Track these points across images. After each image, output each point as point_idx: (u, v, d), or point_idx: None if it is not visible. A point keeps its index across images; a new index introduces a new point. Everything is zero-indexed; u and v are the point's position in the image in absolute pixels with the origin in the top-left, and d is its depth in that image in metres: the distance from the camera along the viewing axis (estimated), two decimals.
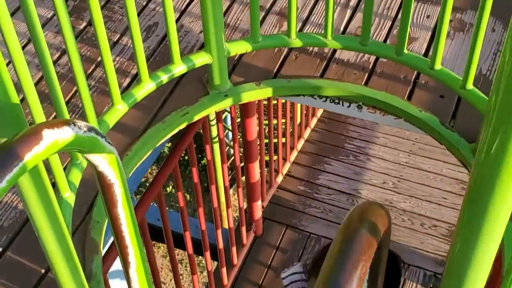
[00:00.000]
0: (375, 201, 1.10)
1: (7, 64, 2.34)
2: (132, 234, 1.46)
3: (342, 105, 2.31)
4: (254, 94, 2.21)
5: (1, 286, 1.76)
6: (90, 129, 1.19)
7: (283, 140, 4.19)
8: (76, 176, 1.84)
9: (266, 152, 4.22)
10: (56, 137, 1.09)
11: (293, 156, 4.38)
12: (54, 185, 1.81)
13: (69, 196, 1.80)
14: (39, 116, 1.58)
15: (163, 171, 2.49)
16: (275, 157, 4.09)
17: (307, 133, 4.54)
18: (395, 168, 4.51)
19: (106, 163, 1.27)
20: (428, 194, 4.32)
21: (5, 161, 1.02)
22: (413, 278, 3.89)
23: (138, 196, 5.96)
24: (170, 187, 6.34)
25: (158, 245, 5.76)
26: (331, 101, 2.30)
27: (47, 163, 1.72)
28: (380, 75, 2.27)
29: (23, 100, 2.11)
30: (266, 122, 4.10)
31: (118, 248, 1.50)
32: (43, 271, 1.79)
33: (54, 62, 2.33)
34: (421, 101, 2.17)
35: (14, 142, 1.04)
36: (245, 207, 3.88)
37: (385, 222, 1.05)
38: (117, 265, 2.08)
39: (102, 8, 2.54)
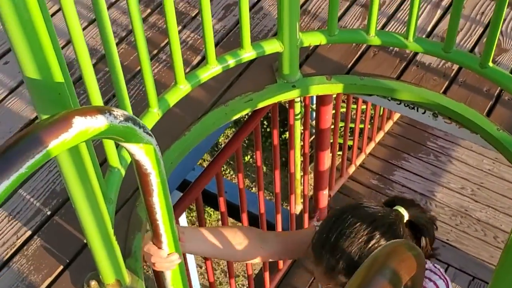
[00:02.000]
0: (405, 241, 1.05)
1: (63, 47, 2.36)
2: (167, 223, 1.44)
3: (417, 111, 2.18)
4: (323, 88, 2.12)
5: (41, 249, 1.79)
6: (128, 119, 1.15)
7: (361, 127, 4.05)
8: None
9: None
10: (87, 126, 1.07)
11: (369, 147, 4.25)
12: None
13: (118, 171, 1.80)
14: (95, 97, 1.57)
15: (225, 151, 2.46)
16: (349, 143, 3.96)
17: (388, 126, 4.39)
18: (477, 174, 4.30)
19: (143, 153, 1.25)
20: (507, 207, 4.10)
21: (28, 146, 1.00)
22: None
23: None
24: (248, 156, 6.34)
25: None
26: (406, 105, 2.18)
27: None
28: (462, 85, 2.13)
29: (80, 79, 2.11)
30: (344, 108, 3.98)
31: (153, 235, 1.48)
32: (85, 240, 1.80)
33: (122, 39, 2.33)
34: (501, 119, 2.02)
35: (41, 128, 1.03)
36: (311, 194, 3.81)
37: (412, 266, 0.96)
38: None
39: None
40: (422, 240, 1.50)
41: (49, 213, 1.87)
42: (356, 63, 2.19)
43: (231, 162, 5.83)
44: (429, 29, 2.29)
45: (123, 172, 1.83)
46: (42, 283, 1.74)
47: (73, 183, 1.38)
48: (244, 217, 2.87)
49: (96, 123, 1.08)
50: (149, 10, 2.41)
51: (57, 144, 1.03)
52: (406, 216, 1.49)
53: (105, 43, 1.61)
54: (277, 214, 3.23)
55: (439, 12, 2.33)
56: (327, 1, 2.37)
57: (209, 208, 5.91)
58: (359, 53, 2.21)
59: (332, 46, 2.21)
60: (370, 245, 1.41)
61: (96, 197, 1.43)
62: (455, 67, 2.16)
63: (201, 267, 5.04)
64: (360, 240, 1.42)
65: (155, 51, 2.24)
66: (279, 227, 3.31)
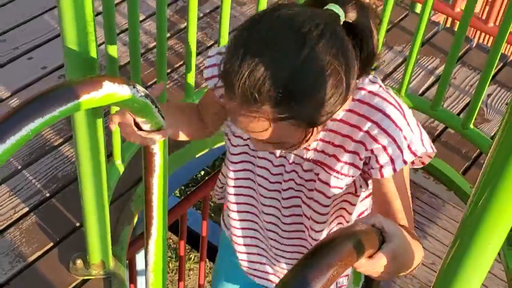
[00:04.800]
0: (374, 229, 1.15)
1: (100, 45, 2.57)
2: (160, 207, 1.57)
3: None
4: None
5: (35, 225, 1.91)
6: (147, 96, 1.32)
7: None
8: (132, 148, 1.99)
9: None
10: (115, 91, 1.23)
11: None
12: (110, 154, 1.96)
13: (120, 164, 1.94)
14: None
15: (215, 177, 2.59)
16: None
17: None
18: None
19: None
20: None
21: (63, 95, 1.16)
22: None
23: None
24: None
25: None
26: None
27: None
28: (443, 144, 2.31)
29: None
30: None
31: (145, 217, 1.61)
32: (77, 224, 1.93)
33: (148, 50, 2.53)
34: (475, 179, 2.18)
35: (76, 83, 1.19)
36: None
37: (374, 246, 1.10)
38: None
39: (206, 14, 2.72)
40: (364, 49, 1.12)
41: (47, 195, 2.00)
42: None
43: None
44: (420, 91, 2.49)
45: (123, 167, 1.98)
46: (31, 255, 1.85)
47: (84, 149, 1.51)
48: None
49: (121, 91, 1.24)
50: (168, 34, 2.60)
51: (87, 99, 1.18)
52: (342, 16, 1.09)
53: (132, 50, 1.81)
54: None
55: (431, 79, 2.54)
56: None
57: (191, 252, 5.96)
58: None
59: None
60: (302, 56, 1.00)
61: (101, 171, 1.57)
62: (440, 127, 2.34)
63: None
64: (289, 49, 1.01)
65: (169, 70, 2.42)
66: None
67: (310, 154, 1.28)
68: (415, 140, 1.17)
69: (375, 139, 1.17)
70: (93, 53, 1.38)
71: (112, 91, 1.22)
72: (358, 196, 1.36)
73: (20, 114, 1.11)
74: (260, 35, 1.03)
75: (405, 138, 1.16)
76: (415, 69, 2.35)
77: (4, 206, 1.96)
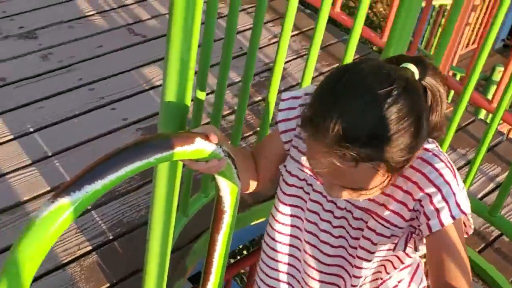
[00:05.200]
0: None
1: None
2: (219, 265, 1.65)
3: None
4: None
5: (96, 264, 2.01)
6: (229, 156, 1.43)
7: None
8: (197, 205, 2.09)
9: None
10: (204, 147, 1.34)
11: None
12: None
13: (184, 219, 2.04)
14: None
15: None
16: None
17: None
18: None
19: (229, 191, 1.50)
20: None
21: (161, 144, 1.27)
22: None
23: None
24: None
25: None
26: None
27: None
28: (496, 251, 2.33)
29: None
30: None
31: (203, 272, 1.69)
32: (134, 269, 2.02)
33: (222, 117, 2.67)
34: None
35: (172, 136, 1.31)
36: None
37: None
38: None
39: (280, 92, 2.85)
40: (435, 113, 1.17)
41: (111, 237, 2.10)
42: None
43: None
44: (479, 196, 2.53)
45: (186, 221, 2.07)
46: None
47: (160, 198, 1.61)
48: None
49: (209, 148, 1.35)
50: None
51: (180, 151, 1.29)
52: (417, 75, 1.15)
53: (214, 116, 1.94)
54: None
55: (491, 185, 2.58)
56: None
57: None
58: None
59: None
60: (389, 102, 1.07)
61: (170, 221, 1.66)
62: (494, 233, 2.37)
63: None
64: (377, 95, 1.07)
65: None
66: None
67: (362, 203, 1.31)
68: (462, 198, 1.18)
69: (421, 189, 1.20)
70: (187, 111, 1.51)
71: (201, 147, 1.34)
72: (407, 255, 1.34)
73: (122, 156, 1.22)
74: (348, 81, 1.10)
75: (453, 193, 1.17)
76: (476, 173, 2.41)
77: (70, 242, 2.07)
